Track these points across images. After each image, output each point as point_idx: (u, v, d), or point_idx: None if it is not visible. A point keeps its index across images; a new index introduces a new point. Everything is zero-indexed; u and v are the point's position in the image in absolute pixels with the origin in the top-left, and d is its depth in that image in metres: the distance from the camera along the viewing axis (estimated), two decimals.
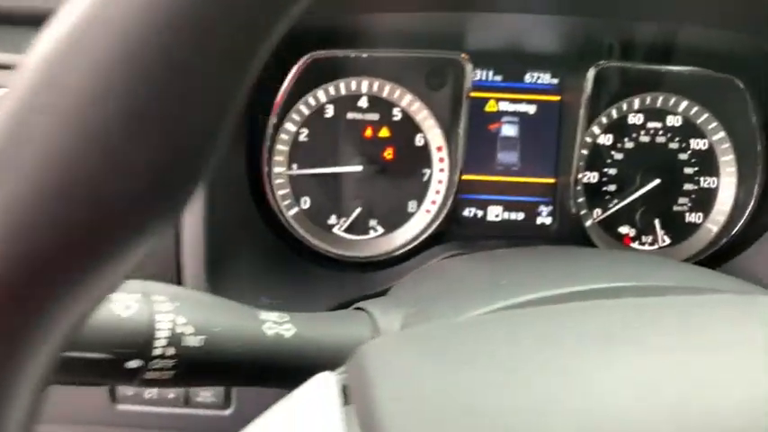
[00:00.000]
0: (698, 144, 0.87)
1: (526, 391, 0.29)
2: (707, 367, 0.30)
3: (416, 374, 0.31)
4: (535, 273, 0.54)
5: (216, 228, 0.66)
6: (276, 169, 0.82)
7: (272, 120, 0.79)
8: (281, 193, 0.82)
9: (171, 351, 0.39)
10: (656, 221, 0.86)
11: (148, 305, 0.39)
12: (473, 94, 0.84)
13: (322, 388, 0.32)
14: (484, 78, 0.85)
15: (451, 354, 0.33)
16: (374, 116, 0.84)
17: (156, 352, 0.39)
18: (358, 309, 0.51)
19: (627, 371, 0.30)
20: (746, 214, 0.85)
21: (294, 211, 0.83)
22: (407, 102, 0.84)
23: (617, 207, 0.86)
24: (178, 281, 0.65)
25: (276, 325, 0.44)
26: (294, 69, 0.78)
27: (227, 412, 0.70)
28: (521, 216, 0.87)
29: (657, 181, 0.85)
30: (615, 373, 0.30)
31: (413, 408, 0.28)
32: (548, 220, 0.87)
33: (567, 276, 0.51)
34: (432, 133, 0.84)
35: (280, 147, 0.82)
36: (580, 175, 0.86)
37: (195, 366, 0.40)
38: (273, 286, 0.73)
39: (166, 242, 0.64)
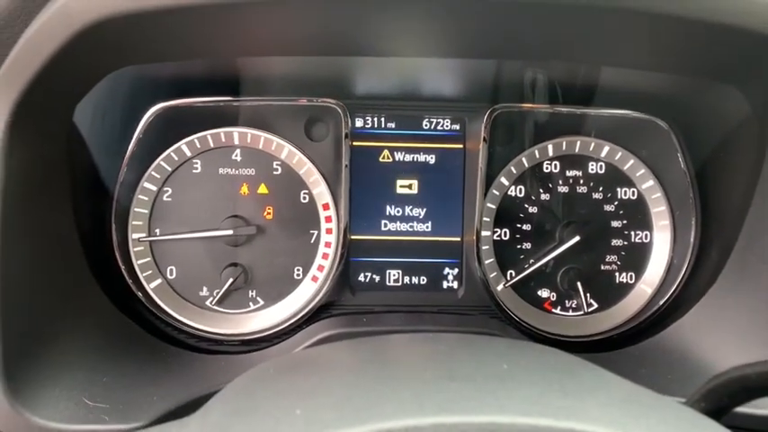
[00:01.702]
0: (626, 193, 0.76)
1: None
2: None
3: None
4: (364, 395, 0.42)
5: (20, 322, 0.54)
6: (133, 235, 0.71)
7: (122, 178, 0.69)
8: (140, 262, 0.71)
9: None
10: (579, 283, 0.74)
11: None
12: (362, 143, 0.75)
13: None
14: (375, 126, 0.75)
15: None
16: (250, 171, 0.74)
17: None
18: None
19: None
20: (683, 273, 0.74)
21: (157, 282, 0.72)
22: (287, 154, 0.74)
23: (533, 268, 0.74)
24: None
25: None
26: (143, 120, 0.69)
27: None
28: (423, 280, 0.76)
29: (577, 237, 0.74)
30: None
31: None
32: (454, 285, 0.76)
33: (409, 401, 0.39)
34: (317, 189, 0.74)
35: (138, 209, 0.71)
36: (488, 233, 0.75)
37: None
38: (116, 381, 0.61)
39: None
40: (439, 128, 0.76)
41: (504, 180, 0.75)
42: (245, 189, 0.74)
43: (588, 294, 0.75)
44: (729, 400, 0.46)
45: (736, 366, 0.47)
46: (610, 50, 0.59)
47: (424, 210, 0.76)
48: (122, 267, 0.71)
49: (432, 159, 0.76)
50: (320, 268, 0.74)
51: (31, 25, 0.50)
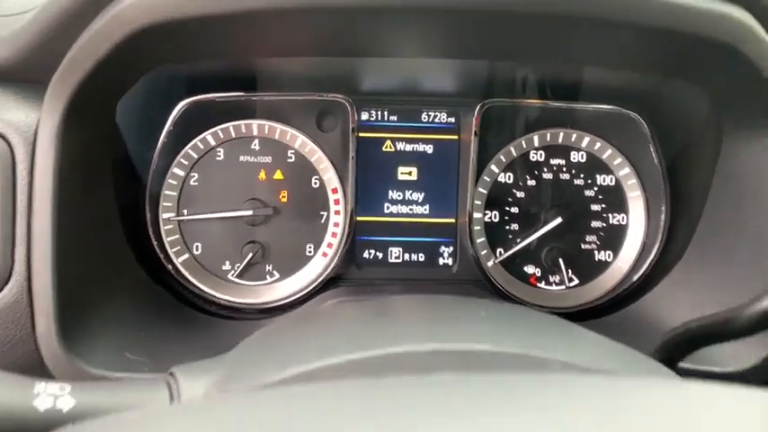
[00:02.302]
0: (604, 180, 0.85)
1: None
2: None
3: None
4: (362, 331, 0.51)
5: (71, 284, 0.63)
6: (164, 215, 0.80)
7: (154, 165, 0.78)
8: (169, 239, 0.81)
9: None
10: (561, 260, 0.83)
11: None
12: (368, 134, 0.83)
13: None
14: (379, 118, 0.84)
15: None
16: (267, 158, 0.83)
17: None
18: (170, 373, 0.48)
19: None
20: (655, 251, 0.82)
21: (185, 257, 0.81)
22: (300, 143, 0.82)
23: (519, 246, 0.83)
24: (34, 341, 0.63)
25: (51, 397, 0.42)
26: (173, 113, 0.78)
27: None
28: (422, 257, 0.85)
29: (560, 219, 0.82)
30: None
31: None
32: (449, 261, 0.85)
33: (392, 337, 0.48)
34: (327, 175, 0.83)
35: (168, 192, 0.80)
36: (480, 215, 0.83)
37: None
38: (151, 339, 0.70)
39: (19, 301, 0.62)
40: (436, 121, 0.85)
41: (494, 167, 0.84)
42: (262, 175, 0.83)
43: (570, 270, 0.84)
44: (679, 351, 0.55)
45: (685, 322, 0.55)
46: (580, 52, 0.67)
47: (423, 194, 0.85)
48: (154, 243, 0.80)
49: (430, 149, 0.85)
50: (329, 245, 0.83)
51: (88, 28, 0.59)
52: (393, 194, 0.85)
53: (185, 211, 0.82)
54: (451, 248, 0.85)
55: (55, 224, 0.62)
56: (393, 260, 0.85)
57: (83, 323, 0.65)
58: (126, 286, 0.73)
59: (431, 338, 0.45)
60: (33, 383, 0.42)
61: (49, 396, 0.42)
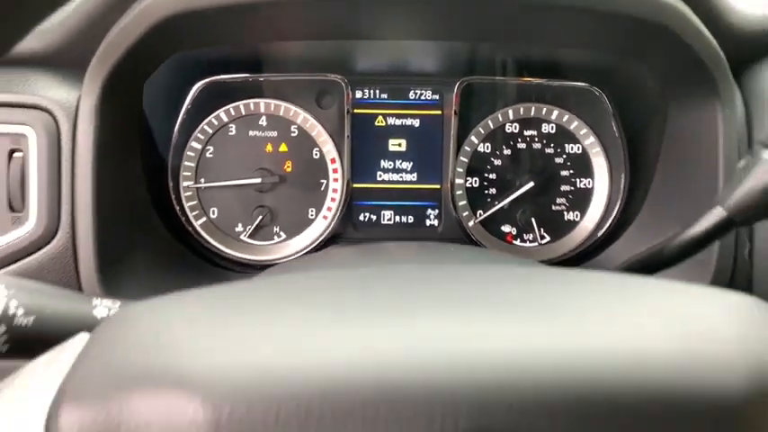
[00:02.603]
0: (572, 149, 0.95)
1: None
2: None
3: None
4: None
5: (108, 246, 0.75)
6: (184, 183, 0.91)
7: (174, 140, 0.89)
8: (189, 204, 0.92)
9: (2, 328, 0.48)
10: (533, 220, 0.93)
11: None
12: (362, 111, 0.94)
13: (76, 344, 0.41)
14: (371, 96, 0.94)
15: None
16: (273, 133, 0.93)
17: None
18: None
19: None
20: (616, 211, 0.93)
21: (202, 220, 0.92)
22: (302, 119, 0.93)
23: (496, 208, 0.94)
24: (78, 284, 0.75)
25: (106, 308, 0.53)
26: (191, 93, 0.89)
27: None
28: (411, 219, 0.96)
29: (532, 184, 0.93)
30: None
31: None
32: (435, 222, 0.96)
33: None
34: (326, 147, 0.93)
35: (187, 163, 0.91)
36: (461, 181, 0.94)
37: (26, 341, 0.49)
38: (173, 289, 0.81)
39: (66, 251, 0.74)
40: (422, 98, 0.95)
41: (474, 138, 0.94)
42: (269, 147, 0.94)
43: (542, 229, 0.94)
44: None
45: (628, 258, 0.66)
46: (544, 34, 0.78)
47: (411, 163, 0.95)
48: (176, 208, 0.91)
49: (417, 123, 0.95)
50: (329, 209, 0.94)
51: (121, 19, 0.70)
52: (385, 164, 0.95)
53: (202, 180, 0.93)
54: (437, 211, 0.96)
55: (94, 186, 0.74)
56: (385, 222, 0.96)
57: (118, 270, 0.76)
58: (153, 244, 0.85)
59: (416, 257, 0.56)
60: (92, 298, 0.54)
61: (105, 307, 0.53)
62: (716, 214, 0.59)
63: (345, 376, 0.30)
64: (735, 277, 0.76)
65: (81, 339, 0.42)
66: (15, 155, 0.74)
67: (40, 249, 0.74)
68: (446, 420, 0.29)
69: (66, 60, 0.74)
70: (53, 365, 0.39)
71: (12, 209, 0.74)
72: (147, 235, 0.84)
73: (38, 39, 0.76)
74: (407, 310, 0.36)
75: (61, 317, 0.51)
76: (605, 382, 0.30)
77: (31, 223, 0.74)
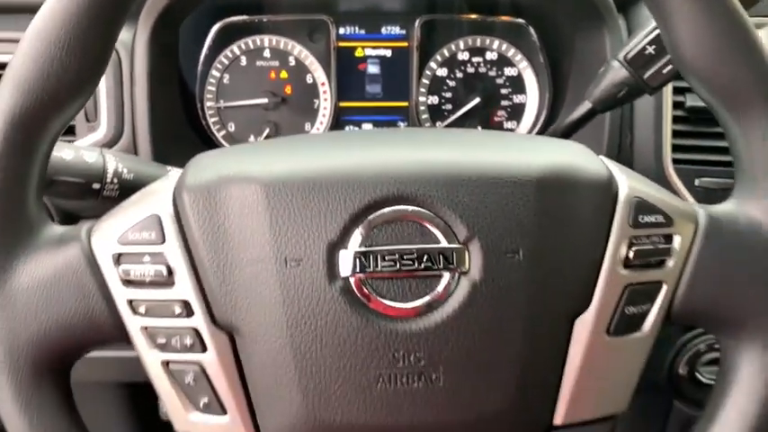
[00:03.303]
0: (510, 72, 1.21)
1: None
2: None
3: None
4: None
5: (159, 146, 1.02)
6: (208, 103, 1.18)
7: (200, 69, 1.15)
8: (212, 120, 1.18)
9: (115, 180, 0.76)
10: (479, 128, 1.21)
11: (103, 156, 0.76)
12: (345, 44, 1.20)
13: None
14: (352, 32, 1.20)
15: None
16: (275, 63, 1.19)
17: (107, 179, 0.75)
18: None
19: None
20: (542, 120, 1.20)
21: (223, 132, 1.19)
22: (298, 51, 1.18)
23: (451, 119, 1.21)
24: None
25: (176, 172, 0.80)
26: (212, 31, 1.14)
27: None
28: None
29: (478, 99, 1.19)
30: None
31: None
32: None
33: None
34: (317, 73, 1.19)
35: (209, 87, 1.17)
36: (424, 99, 1.21)
37: (129, 189, 0.76)
38: None
39: (128, 149, 1.01)
40: (392, 32, 1.20)
41: (432, 65, 1.20)
42: (272, 75, 1.19)
43: None
44: None
45: None
46: None
47: (384, 85, 1.21)
48: (203, 123, 1.17)
49: (388, 53, 1.20)
50: (321, 123, 1.20)
51: None
52: (364, 86, 1.21)
53: (221, 101, 1.18)
54: (406, 122, 1.22)
55: (148, 102, 1.00)
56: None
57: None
58: (187, 150, 1.11)
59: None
60: (166, 166, 0.81)
61: (175, 170, 0.80)
62: (584, 106, 0.86)
63: (331, 168, 0.57)
64: (619, 161, 1.04)
65: (174, 171, 0.69)
66: None
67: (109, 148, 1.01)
68: (382, 186, 0.56)
69: None
70: (167, 179, 0.65)
71: (87, 120, 1.01)
72: (184, 143, 1.11)
73: None
74: (366, 143, 0.64)
75: (149, 174, 0.79)
76: (466, 164, 0.57)
77: (103, 130, 1.00)
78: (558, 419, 0.60)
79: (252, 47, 1.18)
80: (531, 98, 1.21)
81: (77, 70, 0.56)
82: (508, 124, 1.22)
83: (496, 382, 0.57)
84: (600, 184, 0.59)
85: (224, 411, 0.58)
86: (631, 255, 0.59)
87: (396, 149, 0.61)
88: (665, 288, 0.60)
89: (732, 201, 0.63)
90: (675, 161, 1.02)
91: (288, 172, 0.57)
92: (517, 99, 1.22)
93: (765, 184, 0.61)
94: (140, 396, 1.49)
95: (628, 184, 0.60)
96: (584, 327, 0.58)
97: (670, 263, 0.60)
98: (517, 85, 1.21)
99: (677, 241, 0.60)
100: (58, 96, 0.57)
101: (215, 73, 1.17)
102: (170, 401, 0.59)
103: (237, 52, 1.18)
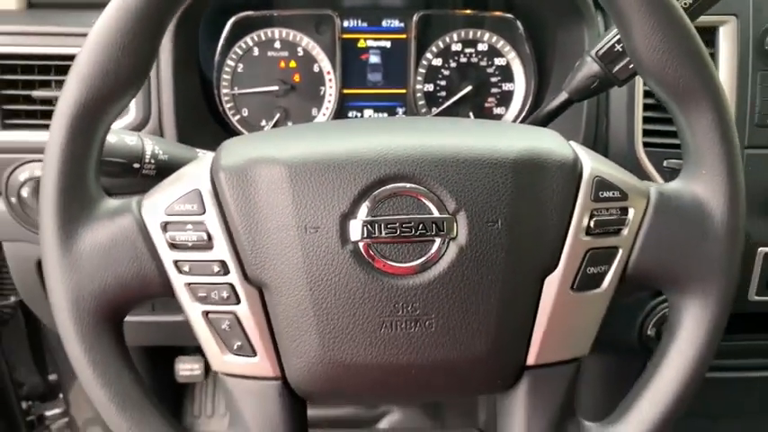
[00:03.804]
0: (499, 62, 1.32)
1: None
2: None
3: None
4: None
5: (182, 128, 1.13)
6: (224, 90, 1.29)
7: (217, 59, 1.26)
8: (227, 105, 1.29)
9: (152, 160, 0.87)
10: (471, 114, 1.32)
11: (142, 140, 0.87)
12: (349, 36, 1.30)
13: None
14: (355, 25, 1.30)
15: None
16: (285, 53, 1.29)
17: (146, 160, 0.87)
18: None
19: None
20: (528, 106, 1.32)
21: (237, 117, 1.30)
22: (305, 43, 1.29)
23: (445, 105, 1.32)
24: None
25: (204, 154, 0.92)
26: (228, 25, 1.25)
27: None
28: (385, 114, 1.34)
29: (470, 87, 1.30)
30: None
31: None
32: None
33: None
34: (323, 63, 1.30)
35: (225, 76, 1.28)
36: (420, 87, 1.32)
37: (165, 169, 0.88)
38: None
39: (155, 132, 1.12)
40: (392, 25, 1.30)
41: (428, 55, 1.30)
42: (282, 64, 1.30)
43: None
44: None
45: None
46: None
47: (385, 74, 1.31)
48: (220, 109, 1.28)
49: (388, 44, 1.31)
50: (327, 109, 1.31)
51: None
52: (366, 74, 1.32)
53: (236, 88, 1.29)
54: (404, 108, 1.33)
55: (173, 88, 1.11)
56: (367, 116, 1.34)
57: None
58: (209, 130, 1.23)
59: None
60: (194, 148, 0.92)
61: (203, 153, 0.92)
62: (561, 96, 0.98)
63: (343, 151, 0.69)
64: (595, 146, 1.16)
65: (207, 154, 0.81)
66: None
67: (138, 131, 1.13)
68: (385, 166, 0.67)
69: None
70: (202, 161, 0.76)
71: None
72: (203, 126, 1.22)
73: None
74: (372, 130, 0.75)
75: (180, 155, 0.90)
76: (455, 148, 0.69)
77: (132, 114, 1.11)
78: (531, 360, 0.72)
79: (263, 39, 1.28)
80: (519, 86, 1.32)
81: (130, 68, 0.67)
82: (497, 110, 1.33)
83: (479, 329, 0.69)
84: (566, 165, 0.71)
85: (254, 353, 0.70)
86: (592, 224, 0.71)
87: (396, 135, 0.73)
88: (620, 252, 0.72)
89: (679, 180, 0.75)
90: (646, 144, 1.13)
91: (307, 154, 0.69)
92: (506, 87, 1.33)
93: (707, 166, 0.72)
94: (159, 359, 1.62)
95: (591, 165, 0.72)
96: (552, 284, 0.69)
97: (625, 231, 0.72)
98: (506, 74, 1.32)
99: (631, 213, 0.72)
100: (115, 90, 0.68)
101: (230, 62, 1.28)
102: (208, 346, 0.71)
103: (250, 43, 1.28)
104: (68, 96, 0.67)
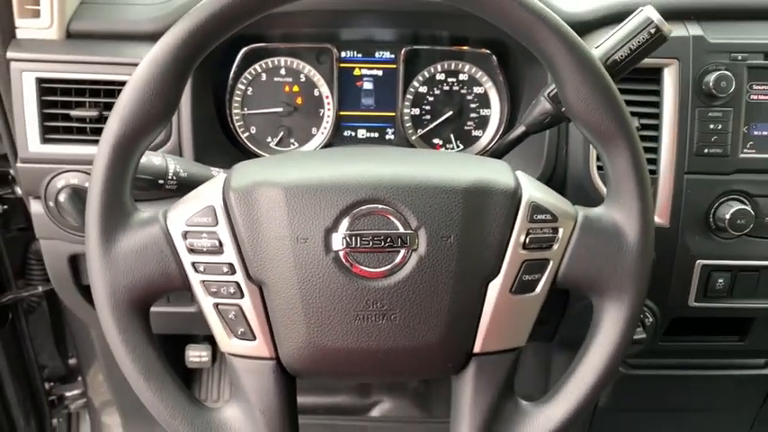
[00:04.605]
0: (478, 90, 1.48)
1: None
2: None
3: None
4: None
5: (199, 147, 1.30)
6: (235, 111, 1.46)
7: (230, 84, 1.43)
8: (238, 124, 1.47)
9: (174, 177, 1.05)
10: (452, 136, 1.49)
11: (166, 160, 1.05)
12: (345, 65, 1.47)
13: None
14: (351, 56, 1.47)
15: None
16: (289, 79, 1.46)
17: (169, 177, 1.04)
18: None
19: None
20: (502, 129, 1.48)
21: (246, 134, 1.47)
22: (307, 71, 1.46)
23: (429, 128, 1.48)
24: None
25: (218, 172, 1.09)
26: (240, 54, 1.42)
27: None
28: (376, 135, 1.50)
29: (451, 112, 1.47)
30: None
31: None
32: (392, 137, 1.51)
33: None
34: (322, 88, 1.47)
35: (236, 98, 1.45)
36: (408, 110, 1.49)
37: (185, 185, 1.05)
38: None
39: (174, 150, 1.29)
40: (383, 57, 1.46)
41: (415, 83, 1.44)
42: (287, 88, 1.45)
43: (458, 141, 1.48)
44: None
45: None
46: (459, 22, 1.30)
47: (376, 99, 1.46)
48: (231, 127, 1.45)
49: (380, 73, 1.46)
50: (325, 128, 1.47)
51: None
52: (360, 99, 1.49)
53: (245, 109, 1.46)
54: (393, 129, 1.48)
55: (192, 114, 1.28)
56: (360, 136, 1.50)
57: (205, 162, 1.32)
58: (221, 146, 1.41)
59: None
60: (210, 167, 1.10)
61: (217, 171, 1.09)
62: (519, 129, 1.14)
63: (328, 177, 0.85)
64: (556, 169, 1.32)
65: (220, 174, 0.98)
66: None
67: (157, 150, 1.30)
68: (362, 191, 0.84)
69: None
70: (216, 180, 0.93)
71: None
72: (217, 143, 1.40)
73: (151, 23, 1.29)
74: (353, 160, 0.92)
75: (198, 173, 1.08)
76: (418, 177, 0.86)
77: None
78: (477, 349, 0.88)
79: (270, 66, 1.45)
80: (495, 111, 1.49)
81: (160, 108, 0.84)
82: (476, 132, 1.50)
83: (435, 322, 0.80)
84: (508, 192, 0.86)
85: (254, 338, 0.82)
86: (528, 240, 0.83)
87: (372, 165, 0.89)
88: (551, 263, 0.84)
89: (602, 206, 0.91)
90: (600, 167, 1.30)
91: (300, 179, 0.85)
92: (483, 112, 1.49)
93: (623, 195, 0.88)
94: (171, 346, 1.79)
95: (529, 192, 0.88)
96: (494, 288, 0.81)
97: (555, 246, 0.85)
98: (483, 100, 1.49)
99: (561, 232, 0.87)
100: (147, 125, 0.85)
101: (241, 86, 1.45)
102: (218, 331, 0.88)
103: (259, 70, 1.45)
104: (110, 130, 0.83)
